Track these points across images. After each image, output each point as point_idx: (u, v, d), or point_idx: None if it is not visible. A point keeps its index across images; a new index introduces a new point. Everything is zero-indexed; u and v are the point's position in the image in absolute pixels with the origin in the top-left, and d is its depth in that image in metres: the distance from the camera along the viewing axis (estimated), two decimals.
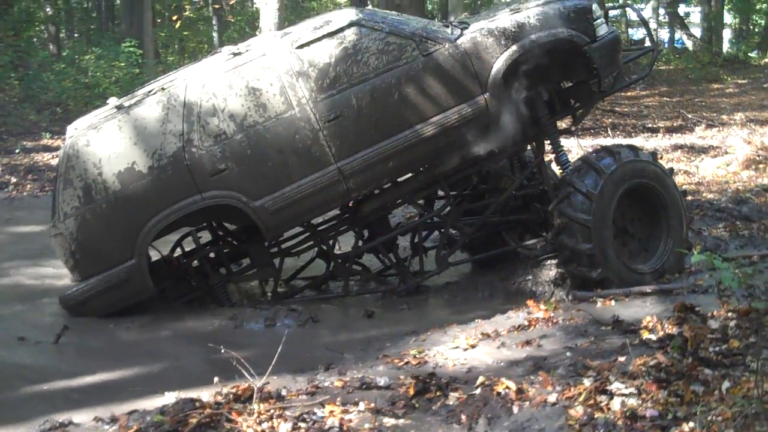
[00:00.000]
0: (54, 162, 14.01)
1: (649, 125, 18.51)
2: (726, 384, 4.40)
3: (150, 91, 7.31)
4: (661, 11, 38.11)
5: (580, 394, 4.46)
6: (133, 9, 25.99)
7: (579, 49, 7.48)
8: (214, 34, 28.52)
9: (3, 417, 5.22)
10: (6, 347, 6.58)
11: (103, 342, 6.74)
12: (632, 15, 33.44)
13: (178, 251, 7.98)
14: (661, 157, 12.86)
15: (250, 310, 7.29)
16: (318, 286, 8.19)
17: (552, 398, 4.47)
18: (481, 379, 4.91)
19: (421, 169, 7.77)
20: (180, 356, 6.40)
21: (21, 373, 6.04)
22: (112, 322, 7.10)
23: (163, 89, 7.26)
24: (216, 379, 5.10)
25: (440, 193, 8.15)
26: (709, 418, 4.04)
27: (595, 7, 7.61)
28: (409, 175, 7.86)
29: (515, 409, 4.44)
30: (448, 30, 7.52)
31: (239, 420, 4.44)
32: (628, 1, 33.38)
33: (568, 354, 5.41)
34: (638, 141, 15.74)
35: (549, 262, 7.72)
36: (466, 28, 7.51)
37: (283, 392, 4.94)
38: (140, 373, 6.06)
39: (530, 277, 7.75)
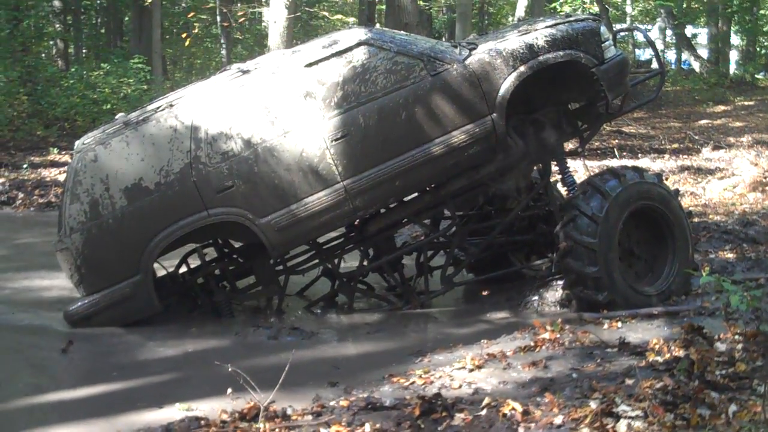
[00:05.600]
0: (61, 177, 14.07)
1: (656, 146, 18.50)
2: (733, 408, 4.39)
3: (158, 108, 7.33)
4: (668, 32, 38.17)
5: (586, 416, 4.44)
6: (141, 26, 26.11)
7: (587, 71, 7.49)
8: (223, 51, 28.64)
9: (3, 430, 5.20)
10: (10, 359, 6.59)
11: (107, 355, 6.73)
12: (639, 36, 33.50)
13: (184, 267, 7.98)
14: (668, 179, 12.88)
15: (253, 328, 7.28)
16: (324, 303, 8.16)
17: (558, 420, 4.46)
18: (486, 400, 4.89)
19: (427, 188, 7.77)
20: (184, 371, 6.37)
21: (25, 385, 6.02)
22: (117, 336, 7.09)
23: (171, 106, 7.29)
24: (229, 390, 5.08)
25: (446, 212, 8.14)
26: None
27: (603, 29, 7.63)
28: (416, 194, 7.87)
29: (521, 431, 4.42)
30: (457, 50, 7.52)
31: None
32: (636, 24, 33.50)
33: (574, 376, 5.39)
34: (645, 162, 15.75)
35: (555, 282, 7.70)
36: (475, 48, 7.51)
37: (289, 411, 4.93)
38: (144, 386, 6.03)
39: (536, 298, 7.73)
